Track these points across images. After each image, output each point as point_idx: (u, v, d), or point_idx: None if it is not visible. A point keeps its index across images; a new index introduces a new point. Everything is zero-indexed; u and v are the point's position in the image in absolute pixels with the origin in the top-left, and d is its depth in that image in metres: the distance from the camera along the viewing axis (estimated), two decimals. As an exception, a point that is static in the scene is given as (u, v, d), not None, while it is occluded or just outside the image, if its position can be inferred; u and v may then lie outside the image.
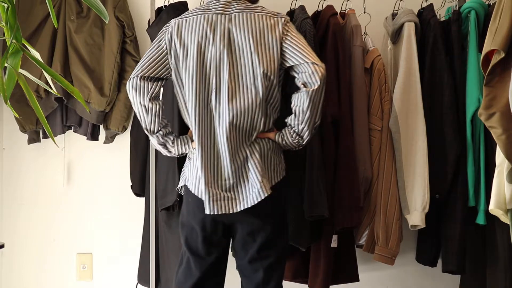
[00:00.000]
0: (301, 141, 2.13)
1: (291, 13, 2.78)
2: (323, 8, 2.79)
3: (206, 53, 2.08)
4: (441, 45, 2.66)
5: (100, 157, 3.11)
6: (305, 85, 2.05)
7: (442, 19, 2.82)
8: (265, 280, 2.15)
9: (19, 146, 3.08)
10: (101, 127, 3.01)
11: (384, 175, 2.68)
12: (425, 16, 2.77)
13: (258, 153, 2.09)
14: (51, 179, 3.11)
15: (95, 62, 2.91)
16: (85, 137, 2.99)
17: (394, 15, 2.84)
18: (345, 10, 2.85)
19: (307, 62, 2.04)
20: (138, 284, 2.94)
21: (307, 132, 2.10)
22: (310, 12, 2.75)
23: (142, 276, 2.87)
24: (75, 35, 2.88)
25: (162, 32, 2.16)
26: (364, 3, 2.89)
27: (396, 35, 2.76)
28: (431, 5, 2.80)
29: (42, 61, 1.35)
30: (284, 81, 2.63)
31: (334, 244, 2.64)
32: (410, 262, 2.99)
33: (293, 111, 2.09)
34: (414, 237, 2.98)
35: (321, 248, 2.65)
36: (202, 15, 2.11)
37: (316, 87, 2.03)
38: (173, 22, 2.15)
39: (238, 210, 2.08)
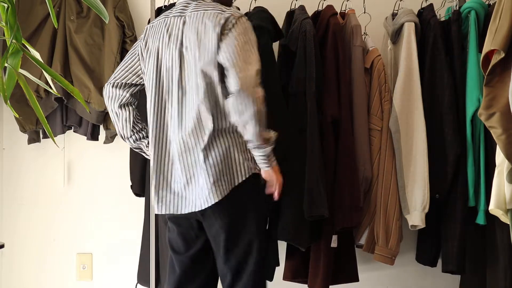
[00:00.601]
0: (266, 139, 2.02)
1: (291, 13, 2.78)
2: (323, 8, 2.79)
3: (162, 57, 2.13)
4: (441, 45, 2.66)
5: (100, 157, 3.11)
6: (230, 94, 1.99)
7: (442, 19, 2.82)
8: (231, 283, 2.11)
9: (19, 146, 3.08)
10: (101, 127, 3.01)
11: (384, 175, 2.68)
12: (425, 16, 2.77)
13: (213, 156, 2.03)
14: (51, 179, 3.11)
15: (95, 62, 2.91)
16: (85, 137, 2.99)
17: (394, 15, 2.84)
18: (345, 10, 2.85)
19: (231, 68, 1.98)
20: (138, 284, 2.94)
21: (255, 136, 1.99)
22: (310, 12, 2.75)
23: (142, 276, 2.87)
24: (75, 35, 2.88)
25: (139, 38, 2.24)
26: (364, 3, 2.89)
27: (396, 35, 2.76)
28: (431, 5, 2.80)
29: (42, 61, 1.35)
30: (286, 81, 2.64)
31: (334, 244, 2.64)
32: (410, 262, 2.99)
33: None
34: (414, 237, 2.98)
35: (321, 248, 2.65)
36: (163, 19, 2.16)
37: (234, 97, 1.96)
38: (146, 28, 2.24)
39: (185, 212, 2.09)
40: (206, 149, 2.03)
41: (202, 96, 2.03)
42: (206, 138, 2.03)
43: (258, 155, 2.03)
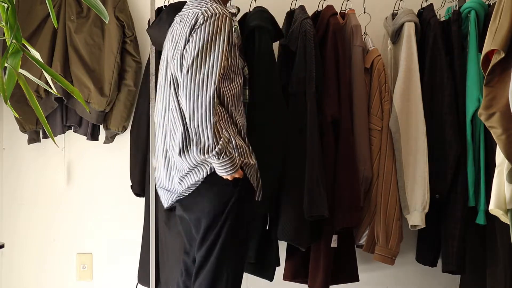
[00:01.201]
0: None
1: (291, 13, 2.78)
2: (323, 8, 2.79)
3: (164, 58, 2.17)
4: (441, 45, 2.66)
5: (100, 157, 3.10)
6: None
7: (442, 19, 2.82)
8: (194, 277, 2.12)
9: (19, 146, 3.08)
10: (101, 127, 3.01)
11: (384, 175, 2.68)
12: (425, 16, 2.77)
13: (185, 156, 2.04)
14: (51, 179, 3.10)
15: (95, 62, 2.91)
16: (85, 137, 2.99)
17: (394, 15, 2.84)
18: (345, 10, 2.85)
19: (183, 70, 1.98)
20: (138, 284, 2.94)
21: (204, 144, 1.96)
22: (310, 12, 2.75)
23: (142, 276, 2.87)
24: (75, 35, 2.88)
25: None
26: (364, 3, 2.89)
27: (396, 35, 2.76)
28: (431, 5, 2.80)
29: (42, 61, 1.35)
30: (286, 81, 2.64)
31: (334, 244, 2.64)
32: (410, 262, 2.99)
33: None
34: (414, 237, 2.98)
35: (321, 248, 2.65)
36: (175, 19, 2.20)
37: (181, 101, 1.98)
38: None
39: (166, 206, 2.21)
40: (181, 148, 2.03)
41: (172, 96, 2.07)
42: (179, 136, 2.04)
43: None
